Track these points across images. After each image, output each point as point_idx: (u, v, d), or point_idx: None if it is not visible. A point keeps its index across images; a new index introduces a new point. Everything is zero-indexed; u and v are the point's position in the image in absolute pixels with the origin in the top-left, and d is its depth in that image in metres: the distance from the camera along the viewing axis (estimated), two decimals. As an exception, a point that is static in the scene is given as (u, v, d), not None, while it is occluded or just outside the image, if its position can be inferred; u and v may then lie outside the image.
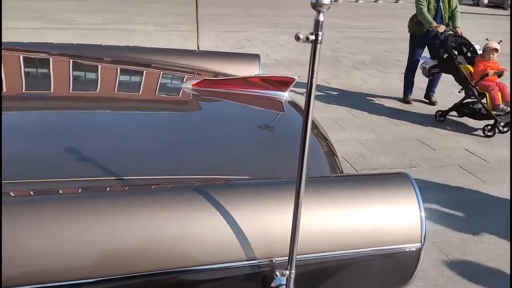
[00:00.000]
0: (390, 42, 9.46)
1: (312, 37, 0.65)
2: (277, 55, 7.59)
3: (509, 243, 2.42)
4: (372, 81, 6.05)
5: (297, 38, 0.65)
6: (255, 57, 2.41)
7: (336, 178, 1.01)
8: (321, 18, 0.64)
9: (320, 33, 0.65)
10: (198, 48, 2.56)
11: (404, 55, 7.92)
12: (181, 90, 1.61)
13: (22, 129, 1.15)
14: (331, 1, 0.65)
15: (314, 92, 0.69)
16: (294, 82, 1.73)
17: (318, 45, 0.66)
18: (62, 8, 13.32)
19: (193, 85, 1.63)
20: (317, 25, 0.65)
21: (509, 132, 4.00)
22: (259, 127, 1.43)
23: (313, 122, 1.65)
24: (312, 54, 0.66)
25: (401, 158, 3.50)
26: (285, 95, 1.70)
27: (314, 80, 0.67)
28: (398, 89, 5.46)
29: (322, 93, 5.31)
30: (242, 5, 17.07)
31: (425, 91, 5.08)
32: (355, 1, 21.43)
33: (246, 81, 1.70)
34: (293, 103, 1.70)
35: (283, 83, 1.72)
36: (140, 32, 9.30)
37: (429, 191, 2.92)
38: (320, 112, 4.57)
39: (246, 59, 2.39)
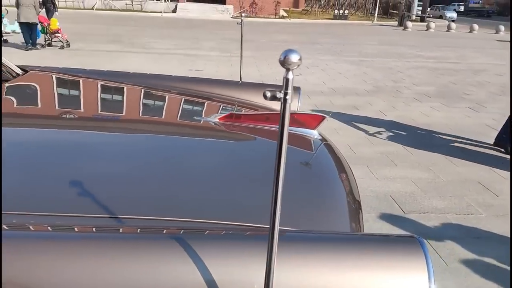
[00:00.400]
0: (460, 74, 8.93)
1: (280, 95, 0.60)
2: (334, 84, 7.47)
3: None
4: (434, 115, 5.71)
5: (264, 96, 0.61)
6: (295, 89, 2.38)
7: (333, 236, 0.92)
8: (290, 76, 0.60)
9: (289, 91, 0.60)
10: (240, 79, 2.58)
11: (474, 89, 7.43)
12: (206, 124, 1.61)
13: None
14: (300, 59, 0.60)
15: (285, 149, 0.63)
16: (324, 120, 1.66)
17: (288, 105, 0.60)
18: (140, 33, 14.35)
19: (219, 118, 1.63)
20: (286, 83, 0.60)
21: None
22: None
23: (342, 166, 1.55)
24: (281, 113, 0.61)
25: (457, 203, 3.21)
26: (314, 133, 1.64)
27: (284, 139, 0.62)
28: (462, 125, 5.10)
29: (375, 125, 5.10)
30: (308, 33, 17.24)
31: (497, 135, 4.52)
32: (426, 30, 20.70)
33: (274, 117, 1.67)
34: (322, 142, 1.62)
35: (312, 120, 1.66)
36: (204, 57, 9.70)
37: (484, 242, 2.63)
38: (371, 146, 4.37)
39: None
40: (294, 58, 0.59)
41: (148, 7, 26.25)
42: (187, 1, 27.40)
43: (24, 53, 9.36)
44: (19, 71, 2.10)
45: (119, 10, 25.55)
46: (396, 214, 3.00)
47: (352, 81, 7.74)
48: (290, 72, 0.60)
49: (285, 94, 0.60)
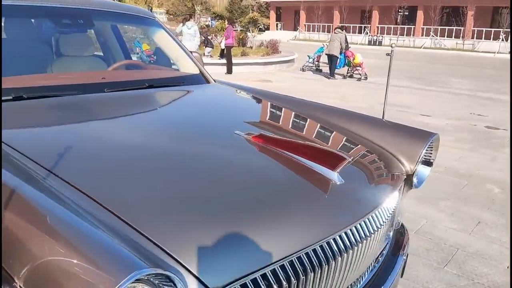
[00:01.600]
0: None
1: None
2: None
3: None
4: None
5: None
6: (427, 135, 1.92)
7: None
8: None
9: None
10: (383, 117, 2.30)
11: None
12: (237, 138, 1.61)
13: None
14: None
15: None
16: (346, 163, 1.32)
17: None
18: (451, 72, 13.56)
19: (252, 137, 1.60)
20: None
21: None
22: (282, 203, 1.23)
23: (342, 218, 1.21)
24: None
25: None
26: (330, 174, 1.34)
27: None
28: None
29: None
30: None
31: None
32: None
33: (298, 147, 1.47)
34: (337, 186, 1.31)
35: (334, 160, 1.36)
36: (504, 103, 8.19)
37: None
38: None
39: (416, 135, 1.95)
40: None
41: (481, 47, 24.16)
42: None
43: (325, 80, 10.87)
44: (211, 80, 2.69)
45: (448, 49, 24.84)
46: None
47: None
48: None
49: None
